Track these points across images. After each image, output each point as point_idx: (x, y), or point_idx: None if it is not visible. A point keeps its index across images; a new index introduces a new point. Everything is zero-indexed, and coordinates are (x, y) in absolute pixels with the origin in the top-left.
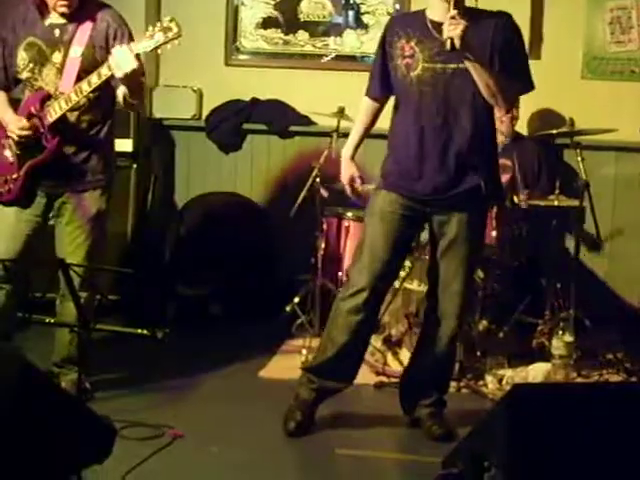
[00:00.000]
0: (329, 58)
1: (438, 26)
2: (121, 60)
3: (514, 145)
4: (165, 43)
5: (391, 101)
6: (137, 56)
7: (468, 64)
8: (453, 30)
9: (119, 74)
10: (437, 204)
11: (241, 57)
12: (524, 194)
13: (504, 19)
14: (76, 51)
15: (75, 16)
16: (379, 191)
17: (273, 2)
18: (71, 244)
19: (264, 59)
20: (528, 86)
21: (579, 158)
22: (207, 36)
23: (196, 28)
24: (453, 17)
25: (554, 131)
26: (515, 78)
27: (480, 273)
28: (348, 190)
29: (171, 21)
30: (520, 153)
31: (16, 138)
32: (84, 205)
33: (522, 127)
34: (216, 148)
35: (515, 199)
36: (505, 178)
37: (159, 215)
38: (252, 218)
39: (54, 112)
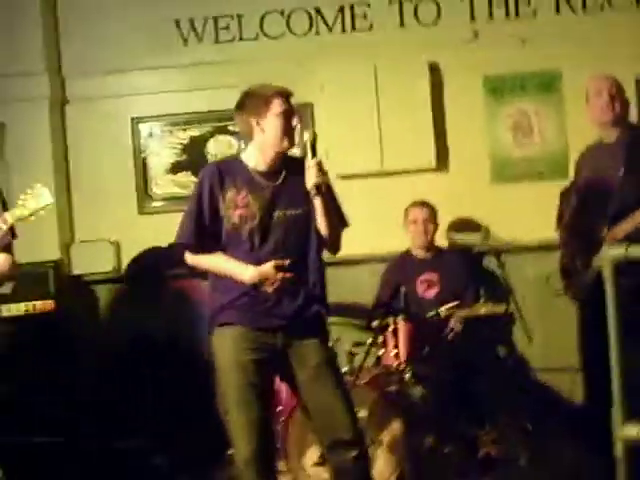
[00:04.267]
0: None
1: (264, 175)
2: None
3: (437, 259)
4: (39, 210)
5: None
6: (11, 230)
7: (322, 207)
8: (321, 176)
9: None
10: (287, 331)
11: (154, 204)
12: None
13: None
14: None
15: None
16: (223, 334)
17: (180, 146)
18: None
19: (177, 203)
20: (346, 223)
21: (499, 264)
22: (118, 187)
23: (106, 180)
24: (319, 164)
25: (473, 241)
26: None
27: (419, 390)
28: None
29: (42, 187)
30: (444, 266)
31: None
32: None
33: (441, 239)
34: (140, 298)
35: (443, 312)
36: (433, 292)
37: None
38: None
39: None
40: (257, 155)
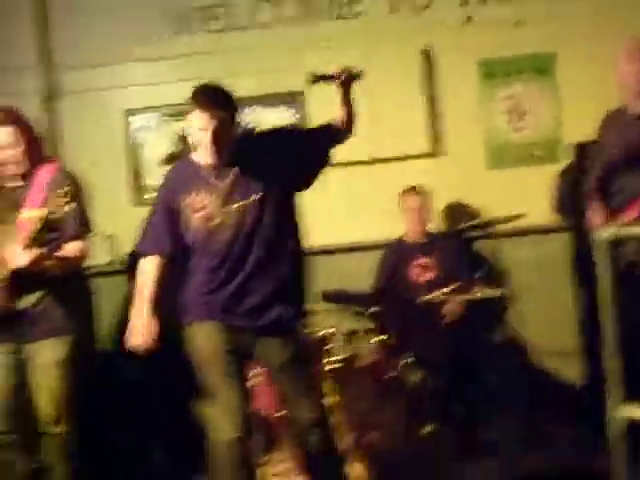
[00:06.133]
0: None
1: (213, 169)
2: None
3: (432, 244)
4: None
5: None
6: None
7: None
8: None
9: None
10: (257, 329)
11: (148, 196)
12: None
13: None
14: None
15: None
16: (195, 326)
17: (173, 137)
18: None
19: None
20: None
21: (494, 248)
22: (111, 180)
23: (99, 173)
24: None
25: (467, 224)
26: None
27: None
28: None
29: None
30: (439, 251)
31: None
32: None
33: (436, 224)
34: None
35: (439, 296)
36: (428, 277)
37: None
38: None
39: None
40: (204, 151)
